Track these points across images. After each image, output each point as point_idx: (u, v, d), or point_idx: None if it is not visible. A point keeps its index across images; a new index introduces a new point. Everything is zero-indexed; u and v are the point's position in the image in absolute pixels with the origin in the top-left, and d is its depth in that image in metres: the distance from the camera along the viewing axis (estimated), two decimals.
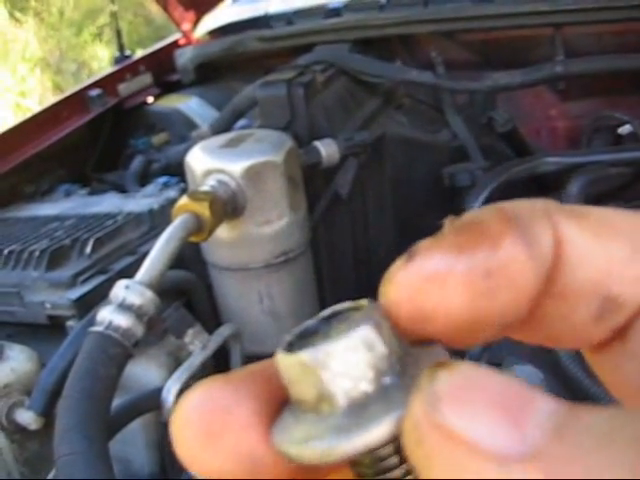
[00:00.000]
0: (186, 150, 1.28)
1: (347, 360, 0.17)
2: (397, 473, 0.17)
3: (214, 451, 0.18)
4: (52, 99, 2.10)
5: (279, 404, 0.18)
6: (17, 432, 1.06)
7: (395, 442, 0.16)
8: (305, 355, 0.17)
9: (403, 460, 0.17)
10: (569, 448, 0.14)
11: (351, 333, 0.17)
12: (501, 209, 0.18)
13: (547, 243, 0.18)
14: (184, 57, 2.06)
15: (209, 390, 0.18)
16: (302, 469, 0.18)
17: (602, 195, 1.49)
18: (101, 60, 5.45)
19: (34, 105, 4.74)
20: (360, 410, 0.16)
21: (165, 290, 1.10)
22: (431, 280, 0.17)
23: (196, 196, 1.08)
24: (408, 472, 0.17)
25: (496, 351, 1.12)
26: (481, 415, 0.14)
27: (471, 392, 0.15)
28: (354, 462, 0.18)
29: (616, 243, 0.18)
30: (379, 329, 0.17)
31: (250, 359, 1.27)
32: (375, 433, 0.16)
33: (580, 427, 0.14)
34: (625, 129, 1.67)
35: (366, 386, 0.17)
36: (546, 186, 1.62)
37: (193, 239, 1.06)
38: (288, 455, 0.17)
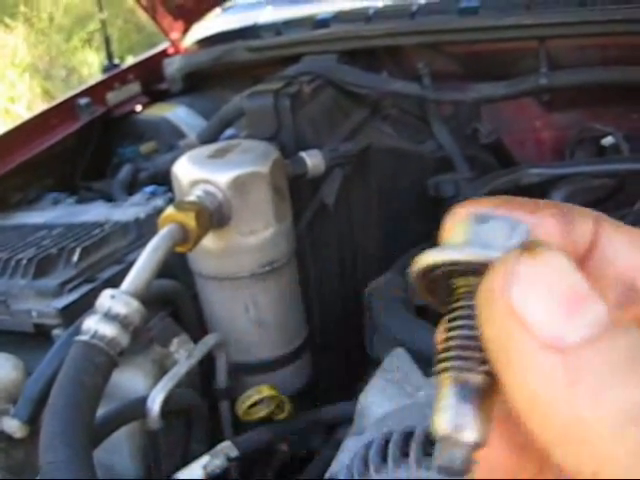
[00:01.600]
0: (173, 159, 1.29)
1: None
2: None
3: None
4: (41, 105, 2.11)
5: None
6: (2, 440, 1.07)
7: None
8: None
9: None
10: (599, 358, 0.17)
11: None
12: (553, 202, 0.23)
13: (584, 234, 0.22)
14: (172, 66, 2.07)
15: None
16: None
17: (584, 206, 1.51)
18: (91, 66, 5.44)
19: (23, 111, 4.73)
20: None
21: (151, 299, 1.11)
22: None
23: (182, 206, 1.09)
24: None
25: None
26: (541, 304, 0.18)
27: (542, 281, 0.18)
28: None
29: None
30: None
31: (235, 368, 1.28)
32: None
33: (617, 342, 0.18)
34: (608, 140, 1.69)
35: None
36: (530, 197, 1.64)
37: (179, 249, 1.07)
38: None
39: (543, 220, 0.22)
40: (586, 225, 0.22)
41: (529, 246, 0.19)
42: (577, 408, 0.17)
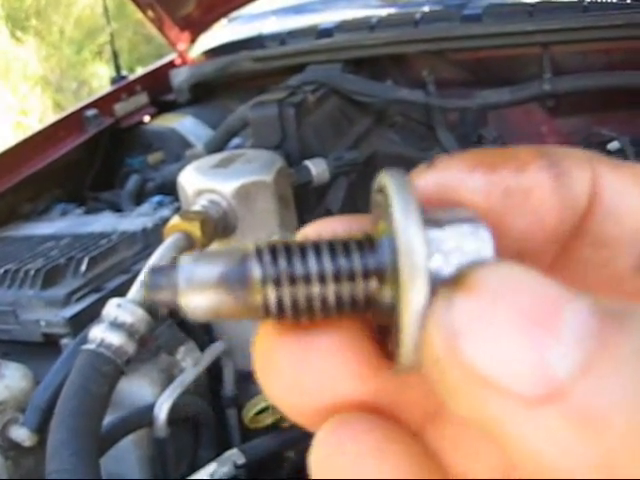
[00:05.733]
0: (180, 169, 1.30)
1: None
2: None
3: None
4: (52, 118, 2.13)
5: None
6: (12, 449, 1.08)
7: None
8: None
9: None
10: (597, 383, 0.13)
11: None
12: (537, 147, 0.18)
13: (582, 185, 0.17)
14: (179, 77, 2.09)
15: None
16: None
17: None
18: (101, 78, 5.49)
19: (35, 123, 4.78)
20: None
21: (157, 308, 1.12)
22: (447, 187, 0.17)
23: (187, 216, 1.10)
24: None
25: None
26: (504, 349, 0.13)
27: (491, 319, 0.13)
28: None
29: None
30: None
31: (242, 375, 1.29)
32: None
33: (613, 350, 0.13)
34: (613, 145, 1.69)
35: None
36: None
37: None
38: None
39: (531, 177, 0.17)
40: (582, 174, 0.17)
41: (459, 280, 0.14)
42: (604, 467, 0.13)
